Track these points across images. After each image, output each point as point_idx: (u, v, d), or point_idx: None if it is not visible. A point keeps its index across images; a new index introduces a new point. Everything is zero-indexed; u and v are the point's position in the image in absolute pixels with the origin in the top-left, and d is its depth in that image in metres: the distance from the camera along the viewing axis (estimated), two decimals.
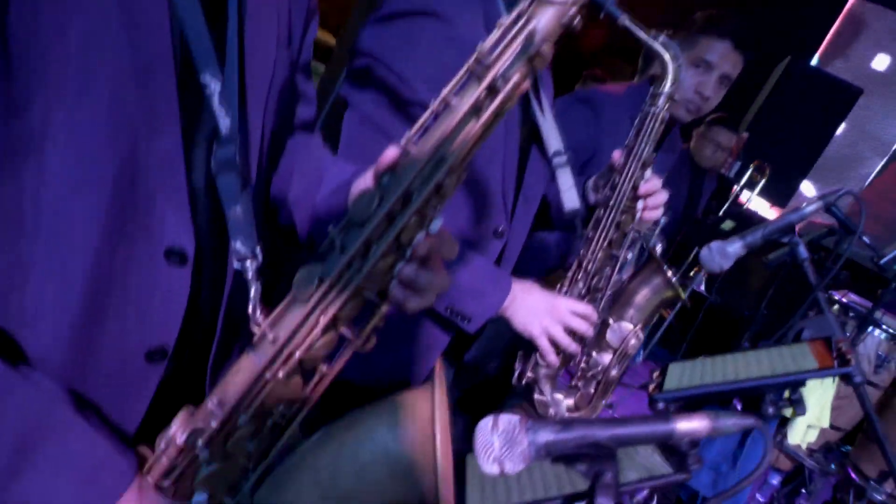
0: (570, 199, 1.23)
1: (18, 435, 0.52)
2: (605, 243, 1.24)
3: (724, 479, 1.26)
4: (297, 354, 0.58)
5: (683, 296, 1.20)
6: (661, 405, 1.01)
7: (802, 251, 1.21)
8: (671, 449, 0.80)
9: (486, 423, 0.61)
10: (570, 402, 1.27)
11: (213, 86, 0.61)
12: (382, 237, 0.57)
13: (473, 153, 0.58)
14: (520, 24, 0.56)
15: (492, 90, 0.55)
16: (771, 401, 1.07)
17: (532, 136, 1.23)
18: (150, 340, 0.63)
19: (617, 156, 1.21)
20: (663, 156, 1.85)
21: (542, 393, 1.28)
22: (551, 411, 1.28)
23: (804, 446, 2.73)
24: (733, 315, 3.63)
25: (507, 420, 0.60)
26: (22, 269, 0.56)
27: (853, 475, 2.74)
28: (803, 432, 2.66)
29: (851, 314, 2.75)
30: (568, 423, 0.57)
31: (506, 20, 0.56)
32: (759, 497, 2.87)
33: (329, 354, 0.61)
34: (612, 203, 1.22)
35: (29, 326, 0.56)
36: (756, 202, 4.31)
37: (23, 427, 0.53)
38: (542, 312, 1.16)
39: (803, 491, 2.89)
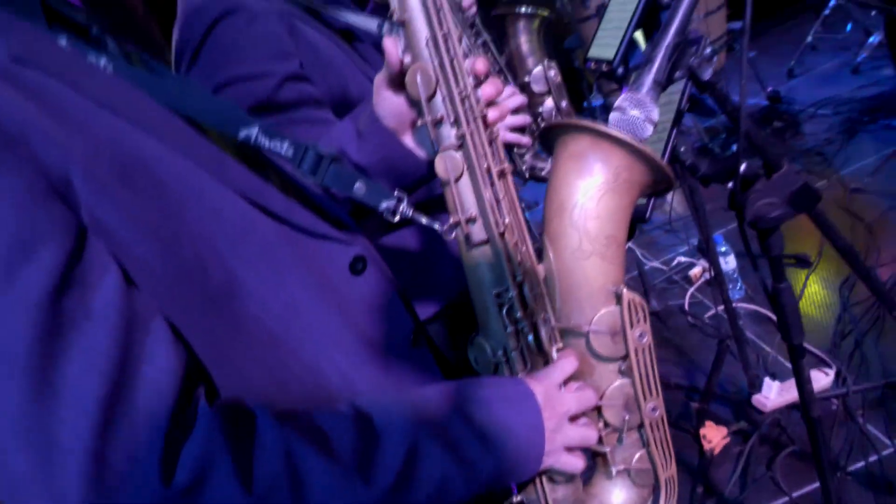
0: None
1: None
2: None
3: None
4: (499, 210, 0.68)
5: (545, 13, 1.37)
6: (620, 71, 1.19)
7: None
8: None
9: (615, 116, 0.75)
10: None
11: (252, 132, 0.64)
12: (453, 81, 0.66)
13: None
14: None
15: None
16: None
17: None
18: (401, 333, 0.71)
19: None
20: None
21: (528, 163, 1.42)
22: (621, 96, 1.46)
23: None
24: None
25: (624, 98, 0.74)
26: (303, 360, 0.61)
27: None
28: None
29: None
30: (642, 64, 0.73)
31: None
32: None
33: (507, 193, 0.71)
34: None
35: (348, 385, 0.63)
36: None
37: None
38: None
39: None
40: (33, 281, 0.44)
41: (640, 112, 0.73)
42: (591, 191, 0.70)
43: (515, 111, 1.28)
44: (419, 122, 0.67)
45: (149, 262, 0.52)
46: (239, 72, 1.06)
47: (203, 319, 0.56)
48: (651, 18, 1.33)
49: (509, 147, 1.37)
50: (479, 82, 0.70)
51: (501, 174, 0.69)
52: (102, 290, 0.48)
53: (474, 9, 1.42)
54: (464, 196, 0.67)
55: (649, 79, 0.74)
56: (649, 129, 0.74)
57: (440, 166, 0.67)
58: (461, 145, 0.66)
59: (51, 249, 0.46)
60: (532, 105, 1.44)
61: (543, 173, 1.43)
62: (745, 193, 0.88)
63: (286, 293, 0.62)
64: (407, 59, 0.69)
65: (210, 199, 0.58)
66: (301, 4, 1.22)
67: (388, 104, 0.78)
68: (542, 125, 1.31)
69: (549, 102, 1.43)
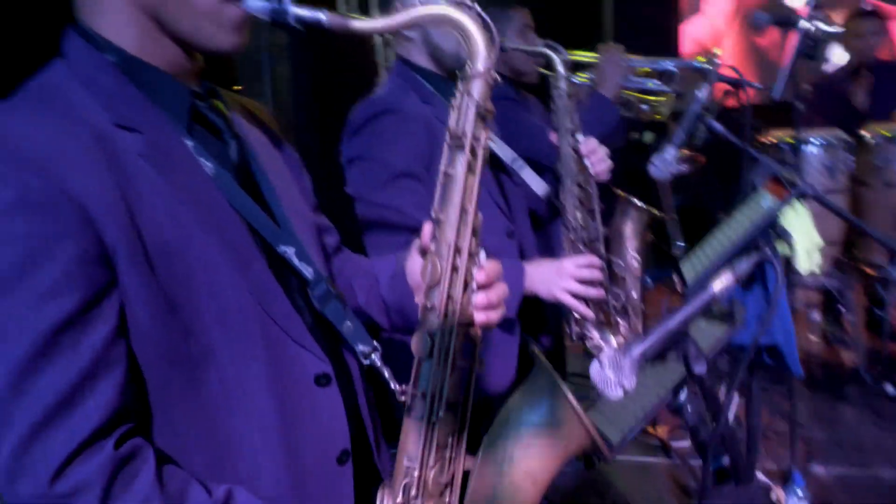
0: (538, 185, 1.47)
1: None
2: (578, 203, 1.47)
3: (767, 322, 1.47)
4: (444, 397, 0.77)
5: (658, 213, 1.43)
6: None
7: (716, 125, 1.46)
8: (717, 315, 1.01)
9: (594, 367, 0.80)
10: (617, 338, 1.47)
11: (289, 251, 0.80)
12: (453, 284, 0.77)
13: (481, 194, 0.78)
14: (464, 98, 0.76)
15: (472, 151, 0.76)
16: (764, 244, 1.29)
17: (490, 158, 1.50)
18: (333, 449, 0.82)
19: (553, 137, 1.47)
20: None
21: (592, 339, 1.48)
22: (606, 351, 1.48)
23: (818, 271, 2.96)
24: (704, 202, 3.91)
25: (607, 354, 0.80)
26: (231, 438, 0.74)
27: (869, 270, 3.00)
28: (807, 258, 2.91)
29: (784, 146, 3.04)
30: (645, 332, 0.77)
31: (455, 101, 0.77)
32: (811, 336, 3.11)
33: (462, 387, 0.79)
34: (564, 171, 1.46)
35: (253, 477, 0.74)
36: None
37: None
38: (554, 277, 1.38)
39: (840, 308, 3.15)
40: (49, 316, 0.62)
41: (614, 375, 0.79)
42: (533, 422, 0.77)
43: (591, 283, 1.35)
44: (416, 299, 0.78)
45: (147, 320, 0.68)
46: (372, 154, 1.34)
47: (168, 372, 0.71)
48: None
49: (569, 311, 1.43)
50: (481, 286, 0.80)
51: (461, 367, 0.78)
52: (95, 336, 0.64)
53: (604, 176, 1.52)
54: (421, 375, 0.77)
55: (639, 349, 0.78)
56: (618, 393, 0.79)
57: (414, 343, 0.77)
58: (434, 335, 0.76)
59: (75, 299, 0.63)
60: (612, 283, 1.49)
61: (589, 345, 1.47)
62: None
63: (249, 378, 0.76)
64: (433, 247, 0.80)
65: (226, 294, 0.74)
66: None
67: (412, 266, 0.90)
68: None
69: (626, 287, 1.47)
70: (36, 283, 0.62)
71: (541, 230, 1.65)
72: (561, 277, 1.38)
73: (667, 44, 4.73)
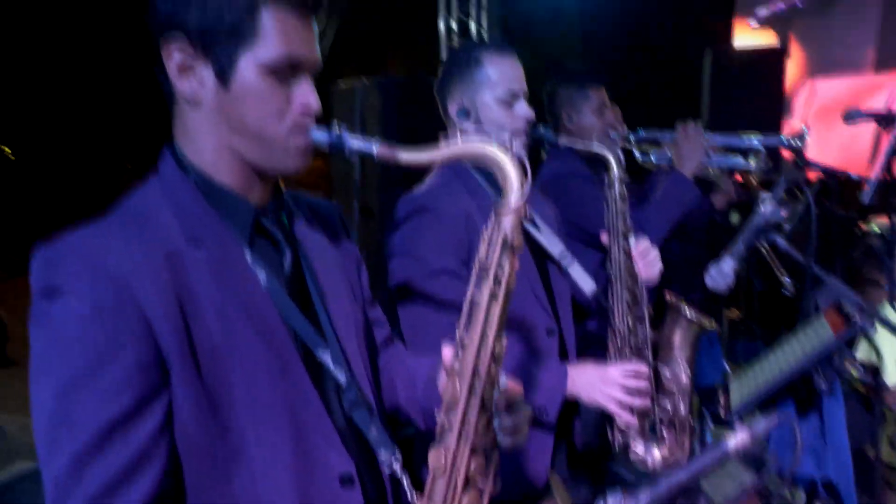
0: (587, 284, 1.48)
1: None
2: (626, 307, 1.46)
3: (822, 455, 1.38)
4: None
5: (711, 325, 1.40)
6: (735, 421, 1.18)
7: (780, 242, 1.43)
8: (749, 456, 0.97)
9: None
10: (662, 451, 1.43)
11: (326, 356, 0.87)
12: (471, 407, 0.80)
13: (505, 321, 0.82)
14: (494, 231, 0.82)
15: (497, 279, 0.80)
16: (821, 376, 1.24)
17: (539, 251, 1.52)
18: None
19: (604, 238, 1.48)
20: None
21: (636, 452, 1.45)
22: (649, 463, 1.44)
23: None
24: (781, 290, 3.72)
25: (614, 500, 0.80)
26: None
27: None
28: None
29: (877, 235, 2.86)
30: (654, 480, 0.77)
31: (486, 233, 0.82)
32: None
33: None
34: (614, 274, 1.47)
35: None
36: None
37: None
38: (599, 383, 1.37)
39: None
40: (109, 412, 0.72)
41: None
42: None
43: (637, 392, 1.34)
44: (436, 414, 0.82)
45: (189, 418, 0.77)
46: (410, 250, 1.41)
47: (202, 464, 0.78)
48: (806, 395, 1.28)
49: (609, 418, 1.42)
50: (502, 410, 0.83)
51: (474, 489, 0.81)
52: (143, 431, 0.73)
53: (654, 281, 1.51)
54: (435, 491, 0.80)
55: (646, 499, 0.78)
56: None
57: (431, 458, 0.81)
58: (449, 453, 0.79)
59: (131, 398, 0.73)
60: (660, 392, 1.46)
61: (632, 456, 1.43)
62: None
63: (278, 474, 0.82)
64: (456, 367, 0.84)
65: (263, 396, 0.81)
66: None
67: (440, 380, 0.94)
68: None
69: (669, 400, 1.44)
70: (101, 382, 0.72)
71: (584, 322, 1.64)
72: (606, 384, 1.36)
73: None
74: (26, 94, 8.11)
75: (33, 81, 8.15)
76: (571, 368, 1.39)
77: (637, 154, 2.27)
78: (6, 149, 8.68)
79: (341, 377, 0.89)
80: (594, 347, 1.62)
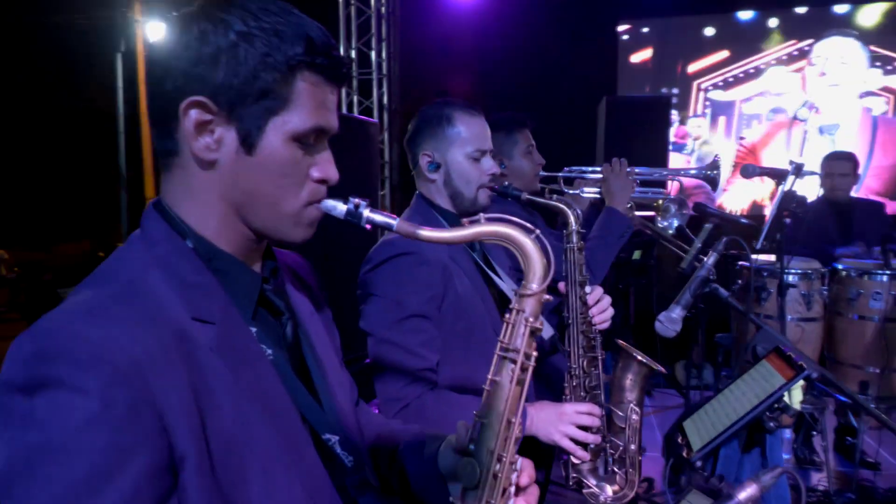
0: (545, 330, 1.53)
1: None
2: (581, 351, 1.53)
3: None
4: None
5: (659, 368, 1.50)
6: (698, 464, 1.28)
7: (722, 292, 1.56)
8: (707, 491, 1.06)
9: None
10: (613, 487, 1.51)
11: (333, 439, 0.84)
12: (493, 490, 0.80)
13: (521, 407, 0.83)
14: (517, 315, 0.83)
15: (523, 368, 0.81)
16: (768, 418, 1.37)
17: (501, 296, 1.56)
18: None
19: (562, 286, 1.54)
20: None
21: (588, 486, 1.52)
22: (601, 499, 1.52)
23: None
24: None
25: None
26: None
27: (840, 397, 3.12)
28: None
29: (765, 273, 3.20)
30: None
31: (509, 316, 0.83)
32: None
33: None
34: (570, 321, 1.53)
35: None
36: None
37: None
38: (555, 421, 1.44)
39: (814, 433, 3.25)
40: None
41: None
42: None
43: (587, 429, 1.42)
44: (451, 498, 0.82)
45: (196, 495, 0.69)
46: (387, 293, 1.42)
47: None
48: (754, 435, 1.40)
49: (567, 455, 1.48)
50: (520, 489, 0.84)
51: None
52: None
53: (605, 325, 1.59)
54: None
55: None
56: None
57: None
58: None
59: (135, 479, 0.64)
60: (611, 432, 1.54)
61: (585, 491, 1.50)
62: None
63: None
64: (472, 449, 0.84)
65: (278, 484, 0.76)
66: (475, 261, 1.51)
67: (446, 461, 0.93)
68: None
69: (620, 439, 1.52)
70: (108, 496, 0.62)
71: (541, 365, 1.71)
72: (561, 421, 1.43)
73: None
74: None
75: None
76: (530, 406, 1.44)
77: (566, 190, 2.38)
78: None
79: (348, 460, 0.86)
80: (551, 388, 1.69)
